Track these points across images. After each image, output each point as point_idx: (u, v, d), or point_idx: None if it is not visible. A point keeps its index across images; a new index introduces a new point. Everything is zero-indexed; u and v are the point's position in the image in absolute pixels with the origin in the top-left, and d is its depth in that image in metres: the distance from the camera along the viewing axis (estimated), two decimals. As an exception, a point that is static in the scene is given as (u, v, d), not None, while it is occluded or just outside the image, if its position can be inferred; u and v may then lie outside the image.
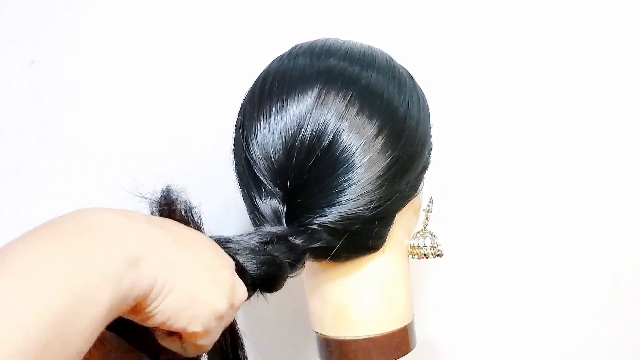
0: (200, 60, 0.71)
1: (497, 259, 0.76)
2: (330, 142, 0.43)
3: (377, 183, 0.44)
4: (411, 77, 0.50)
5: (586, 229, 0.76)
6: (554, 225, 0.76)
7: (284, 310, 0.73)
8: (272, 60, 0.50)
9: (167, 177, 0.71)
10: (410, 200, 0.49)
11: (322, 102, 0.43)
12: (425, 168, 0.50)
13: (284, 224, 0.44)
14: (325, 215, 0.43)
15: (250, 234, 0.42)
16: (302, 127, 0.43)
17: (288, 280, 0.44)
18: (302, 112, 0.43)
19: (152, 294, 0.31)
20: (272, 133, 0.44)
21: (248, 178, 0.46)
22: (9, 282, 0.25)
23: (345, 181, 0.43)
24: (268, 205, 0.44)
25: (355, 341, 0.49)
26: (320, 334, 0.51)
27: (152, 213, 0.38)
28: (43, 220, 0.28)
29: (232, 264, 0.38)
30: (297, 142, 0.43)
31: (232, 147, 0.49)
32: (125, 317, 0.32)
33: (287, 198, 0.44)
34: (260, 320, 0.74)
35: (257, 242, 0.41)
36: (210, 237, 0.39)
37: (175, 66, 0.71)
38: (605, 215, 0.76)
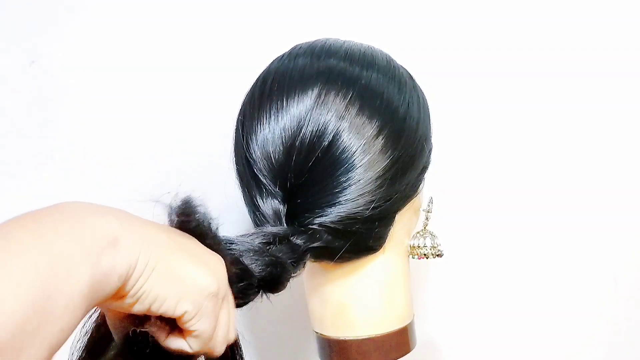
0: (200, 61, 0.71)
1: (497, 259, 0.76)
2: (330, 142, 0.43)
3: (377, 183, 0.44)
4: (411, 77, 0.50)
5: (586, 229, 0.76)
6: (554, 225, 0.76)
7: (284, 310, 0.73)
8: (272, 61, 0.49)
9: (166, 177, 0.71)
10: (410, 201, 0.49)
11: (322, 102, 0.43)
12: (425, 168, 0.50)
13: (285, 224, 0.44)
14: (326, 215, 0.43)
15: (251, 234, 0.42)
16: (302, 127, 0.43)
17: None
18: (302, 112, 0.43)
19: (134, 273, 0.31)
20: (272, 133, 0.44)
21: (248, 178, 0.46)
22: None
23: (345, 181, 0.43)
24: (269, 205, 0.44)
25: (355, 341, 0.49)
26: (320, 334, 0.51)
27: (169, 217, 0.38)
28: None
29: (218, 257, 0.37)
30: (297, 142, 0.43)
31: (233, 147, 0.49)
32: (115, 307, 0.32)
33: (287, 198, 0.44)
34: (260, 320, 0.74)
35: (259, 243, 0.41)
36: (213, 237, 0.39)
37: (175, 66, 0.71)
38: (605, 215, 0.76)
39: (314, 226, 0.44)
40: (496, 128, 0.75)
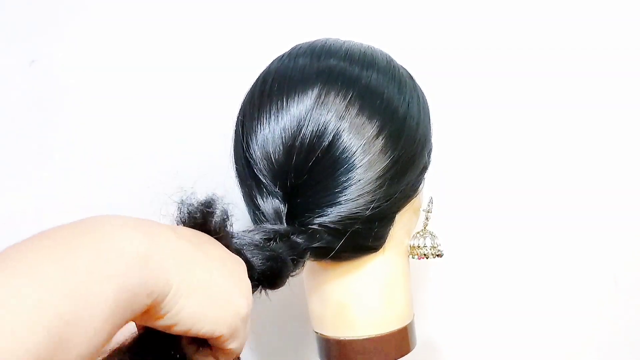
0: (200, 61, 0.71)
1: (497, 259, 0.76)
2: (331, 142, 0.43)
3: (377, 183, 0.44)
4: (411, 77, 0.50)
5: (586, 229, 0.76)
6: (554, 226, 0.76)
7: (284, 310, 0.73)
8: (272, 61, 0.50)
9: (166, 177, 0.71)
10: (410, 201, 0.49)
11: (322, 103, 0.43)
12: (425, 168, 0.50)
13: (285, 224, 0.44)
14: (326, 215, 0.43)
15: (252, 230, 0.42)
16: (302, 127, 0.43)
17: (289, 279, 0.44)
18: (302, 112, 0.43)
19: (169, 295, 0.30)
20: (272, 133, 0.44)
21: (248, 178, 0.46)
22: (6, 288, 0.24)
23: (346, 181, 0.43)
24: (269, 205, 0.44)
25: (355, 341, 0.49)
26: (320, 334, 0.51)
27: (182, 215, 0.38)
28: (42, 220, 0.28)
29: (244, 264, 0.38)
30: (297, 142, 0.43)
31: (233, 147, 0.49)
32: (152, 325, 0.31)
33: (288, 198, 0.44)
34: (260, 320, 0.74)
35: (260, 238, 0.41)
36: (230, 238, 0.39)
37: (175, 66, 0.71)
38: (605, 215, 0.76)
39: (314, 226, 0.44)
40: (496, 128, 0.75)
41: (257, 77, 0.49)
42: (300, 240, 0.43)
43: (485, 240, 0.75)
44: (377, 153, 0.44)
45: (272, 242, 0.42)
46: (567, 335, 0.77)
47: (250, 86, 0.49)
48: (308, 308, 0.52)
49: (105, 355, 0.32)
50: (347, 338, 0.49)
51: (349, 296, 0.49)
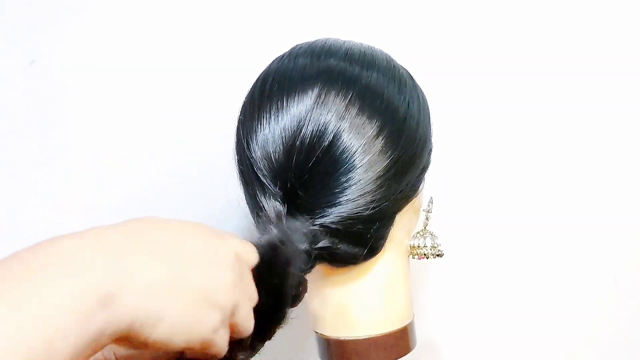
0: (200, 61, 0.71)
1: (497, 259, 0.76)
2: (331, 142, 0.43)
3: (378, 183, 0.44)
4: (411, 77, 0.50)
5: (586, 229, 0.76)
6: (554, 225, 0.76)
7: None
8: (272, 61, 0.49)
9: (166, 177, 0.71)
10: (410, 201, 0.49)
11: (322, 102, 0.43)
12: (425, 168, 0.50)
13: (285, 225, 0.44)
14: (326, 216, 0.43)
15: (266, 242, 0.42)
16: (302, 127, 0.43)
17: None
18: (302, 112, 0.43)
19: (136, 327, 0.29)
20: (272, 133, 0.44)
21: (250, 178, 0.46)
22: None
23: (346, 181, 0.43)
24: (270, 205, 0.44)
25: (356, 341, 0.49)
26: (321, 334, 0.51)
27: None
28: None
29: (232, 253, 0.35)
30: (298, 142, 0.43)
31: (234, 148, 0.49)
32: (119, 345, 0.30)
33: (288, 198, 0.44)
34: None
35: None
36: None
37: (175, 66, 0.71)
38: (605, 215, 0.76)
39: (315, 227, 0.44)
40: (496, 128, 0.75)
41: (257, 77, 0.49)
42: (306, 245, 0.43)
43: (485, 240, 0.75)
44: (377, 153, 0.44)
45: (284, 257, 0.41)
46: (567, 335, 0.77)
47: (251, 86, 0.49)
48: (308, 308, 0.52)
49: None
50: (347, 338, 0.49)
51: (349, 296, 0.49)
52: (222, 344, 0.34)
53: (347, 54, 0.47)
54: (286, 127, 0.43)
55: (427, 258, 0.52)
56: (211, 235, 0.35)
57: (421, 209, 0.53)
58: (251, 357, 0.41)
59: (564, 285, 0.77)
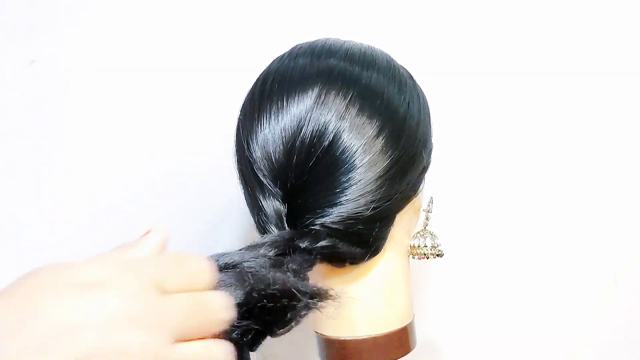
0: (200, 60, 0.71)
1: (497, 259, 0.76)
2: (331, 142, 0.43)
3: (378, 183, 0.44)
4: (411, 77, 0.50)
5: (586, 229, 0.76)
6: (554, 225, 0.76)
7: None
8: (272, 61, 0.50)
9: (166, 177, 0.71)
10: (410, 201, 0.49)
11: (322, 102, 0.43)
12: (425, 168, 0.50)
13: (286, 225, 0.44)
14: (327, 216, 0.43)
15: (263, 248, 0.41)
16: (302, 127, 0.43)
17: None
18: (302, 112, 0.43)
19: None
20: (272, 133, 0.44)
21: (250, 178, 0.46)
22: None
23: (346, 181, 0.43)
24: (270, 206, 0.44)
25: (356, 341, 0.49)
26: (321, 334, 0.51)
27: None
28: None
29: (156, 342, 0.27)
30: (298, 142, 0.43)
31: (234, 148, 0.49)
32: None
33: (288, 198, 0.44)
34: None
35: (277, 261, 0.40)
36: (225, 264, 0.37)
37: (175, 66, 0.71)
38: (605, 215, 0.76)
39: (315, 227, 0.44)
40: (496, 128, 0.75)
41: (257, 77, 0.49)
42: (307, 245, 0.43)
43: (485, 240, 0.75)
44: (377, 153, 0.44)
45: (286, 257, 0.41)
46: (567, 335, 0.77)
47: (251, 86, 0.49)
48: (308, 308, 0.52)
49: None
50: (347, 338, 0.49)
51: (349, 296, 0.49)
52: None
53: (347, 54, 0.47)
54: (286, 127, 0.43)
55: (427, 258, 0.52)
56: None
57: (421, 209, 0.53)
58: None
59: (564, 285, 0.77)
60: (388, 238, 0.48)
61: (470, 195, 0.75)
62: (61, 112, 0.71)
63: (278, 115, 0.44)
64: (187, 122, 0.71)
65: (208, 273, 0.30)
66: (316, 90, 0.44)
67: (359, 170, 0.43)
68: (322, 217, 0.43)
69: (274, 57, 0.50)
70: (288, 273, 0.38)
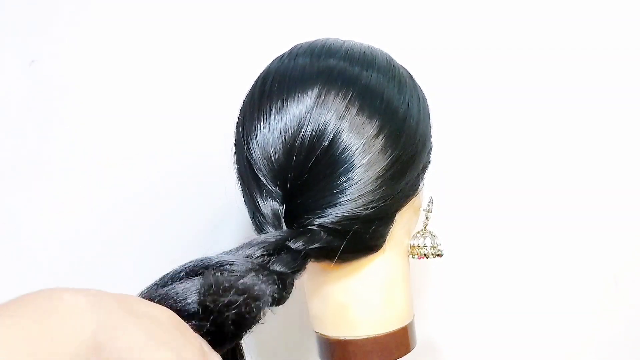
0: (200, 60, 0.71)
1: (497, 259, 0.76)
2: (331, 142, 0.43)
3: (377, 183, 0.44)
4: (411, 77, 0.50)
5: (586, 229, 0.76)
6: (554, 225, 0.76)
7: (284, 310, 0.73)
8: (272, 60, 0.50)
9: (166, 177, 0.71)
10: (410, 200, 0.49)
11: (322, 102, 0.43)
12: (425, 168, 0.50)
13: (284, 225, 0.44)
14: (326, 216, 0.43)
15: (250, 247, 0.41)
16: (302, 127, 0.43)
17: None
18: (302, 112, 0.43)
19: None
20: (272, 133, 0.44)
21: (249, 178, 0.46)
22: None
23: (346, 181, 0.43)
24: (268, 205, 0.44)
25: (356, 341, 0.49)
26: (321, 333, 0.51)
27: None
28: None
29: (199, 337, 0.37)
30: (297, 142, 0.43)
31: (233, 147, 0.49)
32: None
33: (287, 198, 0.44)
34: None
35: (261, 261, 0.40)
36: (206, 258, 0.39)
37: (175, 66, 0.71)
38: (605, 215, 0.76)
39: (313, 227, 0.44)
40: (496, 128, 0.75)
41: (257, 77, 0.49)
42: (300, 245, 0.43)
43: (485, 240, 0.75)
44: (377, 153, 0.44)
45: (272, 257, 0.41)
46: (567, 335, 0.77)
47: (250, 86, 0.49)
48: (308, 308, 0.52)
49: None
50: (347, 338, 0.49)
51: (349, 296, 0.49)
52: None
53: (347, 53, 0.47)
54: (286, 127, 0.43)
55: (427, 258, 0.52)
56: (183, 326, 0.36)
57: (421, 209, 0.53)
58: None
59: (564, 285, 0.77)
60: (388, 237, 0.48)
61: (470, 195, 0.75)
62: (61, 112, 0.71)
63: (278, 115, 0.44)
64: (187, 122, 0.71)
65: None
66: (316, 90, 0.44)
67: (358, 170, 0.43)
68: (321, 217, 0.43)
69: (274, 57, 0.50)
70: (260, 275, 0.39)
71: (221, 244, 0.73)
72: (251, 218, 0.47)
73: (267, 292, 0.38)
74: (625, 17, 0.75)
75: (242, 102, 0.49)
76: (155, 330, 0.33)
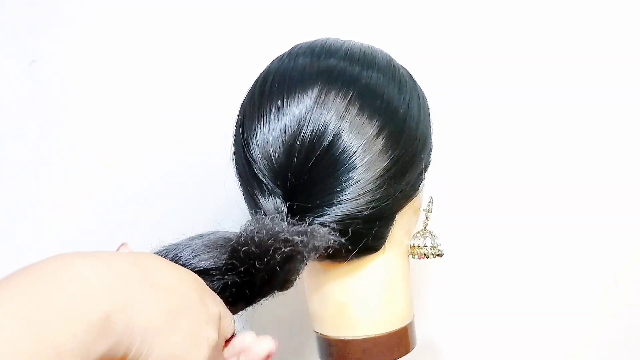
0: (200, 60, 0.71)
1: (497, 259, 0.76)
2: (331, 142, 0.43)
3: (378, 183, 0.44)
4: (411, 77, 0.50)
5: (586, 229, 0.76)
6: (554, 225, 0.76)
7: (284, 310, 0.73)
8: (272, 60, 0.50)
9: (166, 177, 0.71)
10: (410, 200, 0.49)
11: (322, 102, 0.43)
12: (425, 168, 0.50)
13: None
14: (326, 215, 0.43)
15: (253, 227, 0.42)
16: (302, 127, 0.43)
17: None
18: (302, 112, 0.43)
19: (133, 350, 0.30)
20: (272, 133, 0.44)
21: (249, 178, 0.46)
22: None
23: (346, 181, 0.43)
24: (269, 205, 0.44)
25: (356, 341, 0.49)
26: (321, 333, 0.51)
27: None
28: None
29: (218, 300, 0.38)
30: (298, 142, 0.43)
31: (233, 147, 0.49)
32: None
33: (288, 198, 0.44)
34: (259, 320, 0.74)
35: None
36: (215, 232, 0.40)
37: (175, 66, 0.71)
38: (605, 215, 0.76)
39: (313, 226, 0.44)
40: (496, 128, 0.75)
41: (257, 77, 0.49)
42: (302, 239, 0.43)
43: (485, 240, 0.75)
44: (377, 153, 0.44)
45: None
46: (567, 335, 0.77)
47: (250, 86, 0.49)
48: (308, 308, 0.52)
49: None
50: (347, 338, 0.49)
51: (349, 296, 0.49)
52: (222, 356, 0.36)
53: (347, 53, 0.47)
54: (286, 126, 0.43)
55: (427, 258, 0.52)
56: (205, 293, 0.37)
57: (421, 209, 0.53)
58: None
59: (564, 285, 0.77)
60: (388, 238, 0.48)
61: (470, 195, 0.75)
62: (61, 112, 0.71)
63: (278, 115, 0.44)
64: (187, 122, 0.71)
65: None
66: (316, 90, 0.44)
67: (358, 170, 0.43)
68: (322, 216, 0.44)
69: (274, 57, 0.50)
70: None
71: (221, 244, 0.72)
72: (251, 217, 0.47)
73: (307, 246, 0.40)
74: (625, 17, 0.75)
75: (242, 102, 0.49)
76: (174, 309, 0.33)
